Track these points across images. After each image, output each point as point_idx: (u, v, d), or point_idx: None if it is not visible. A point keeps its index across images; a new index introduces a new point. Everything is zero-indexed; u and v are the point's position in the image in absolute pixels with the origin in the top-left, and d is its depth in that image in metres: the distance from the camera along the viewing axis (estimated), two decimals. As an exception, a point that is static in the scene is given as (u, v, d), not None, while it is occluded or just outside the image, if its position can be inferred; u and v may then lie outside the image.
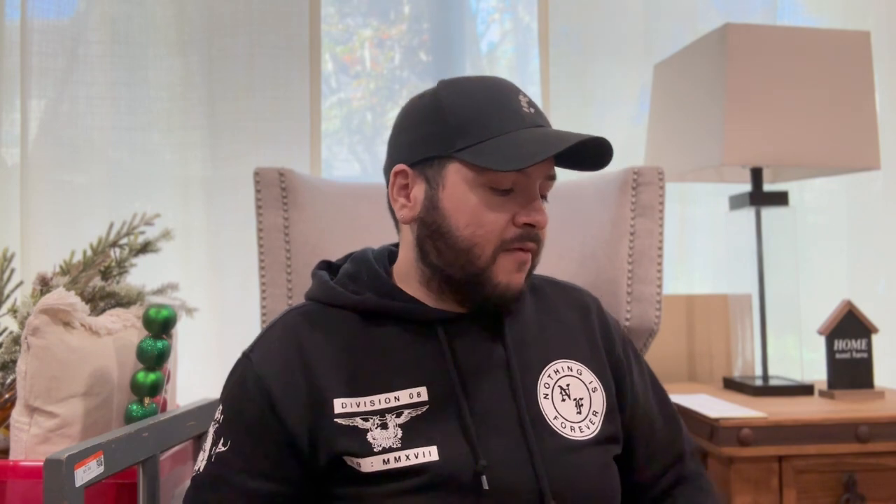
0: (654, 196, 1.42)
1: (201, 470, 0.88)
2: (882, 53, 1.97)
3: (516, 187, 0.87)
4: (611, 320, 1.03)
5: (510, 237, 0.86)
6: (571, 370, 0.93)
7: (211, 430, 0.90)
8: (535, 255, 0.90)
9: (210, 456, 0.87)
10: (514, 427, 0.86)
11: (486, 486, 0.81)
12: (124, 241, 1.36)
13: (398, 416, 0.84)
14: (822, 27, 1.76)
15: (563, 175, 2.06)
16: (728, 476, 1.35)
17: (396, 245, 0.99)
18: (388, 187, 0.93)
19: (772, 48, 1.57)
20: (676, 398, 1.51)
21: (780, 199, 1.67)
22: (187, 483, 1.27)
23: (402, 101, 2.07)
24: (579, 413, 0.90)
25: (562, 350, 0.94)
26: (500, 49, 2.16)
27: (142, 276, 1.40)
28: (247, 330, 1.73)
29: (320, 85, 1.98)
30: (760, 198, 1.66)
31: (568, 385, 0.92)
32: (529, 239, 0.87)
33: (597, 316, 1.01)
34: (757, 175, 1.68)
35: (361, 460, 0.82)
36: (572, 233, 1.43)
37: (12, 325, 1.24)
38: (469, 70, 2.08)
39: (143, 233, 1.38)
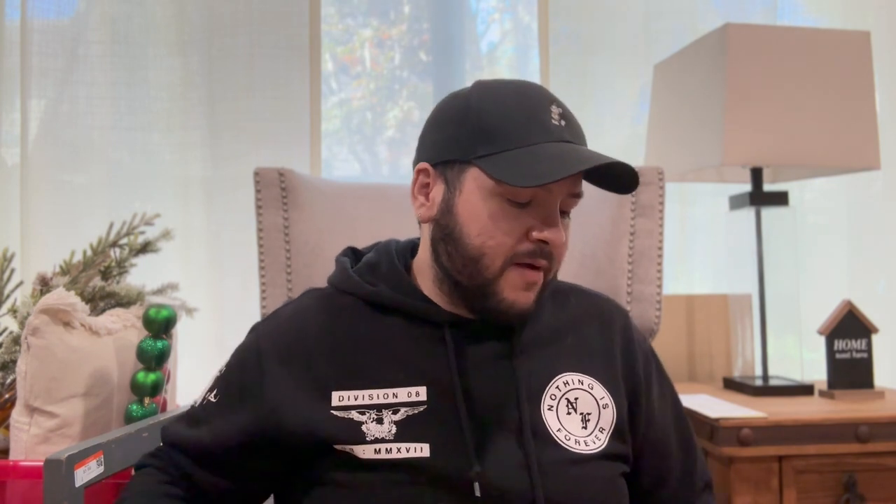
0: (654, 196, 1.41)
1: (192, 407, 0.95)
2: (882, 53, 1.97)
3: (535, 201, 0.84)
4: (636, 336, 0.99)
5: (521, 251, 0.83)
6: (582, 384, 0.90)
7: (213, 375, 0.95)
8: (548, 272, 0.86)
9: (203, 399, 0.94)
10: (514, 435, 0.85)
11: (477, 493, 0.80)
12: (124, 241, 1.36)
13: (395, 412, 0.85)
14: (822, 27, 1.76)
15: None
16: (728, 476, 1.35)
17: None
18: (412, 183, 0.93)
19: (772, 48, 1.57)
20: (676, 398, 1.51)
21: (780, 199, 1.67)
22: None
23: (403, 101, 2.07)
24: (585, 428, 0.88)
25: (574, 362, 0.91)
26: (500, 49, 2.16)
27: (142, 276, 1.40)
28: (246, 330, 1.73)
29: (320, 85, 1.98)
30: (760, 198, 1.66)
31: (576, 399, 0.89)
32: (541, 256, 0.84)
33: (620, 330, 0.97)
34: (757, 175, 1.68)
35: (354, 447, 0.83)
36: (572, 233, 1.43)
37: (12, 325, 1.24)
38: (468, 70, 2.08)
39: (143, 233, 1.38)
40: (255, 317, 1.45)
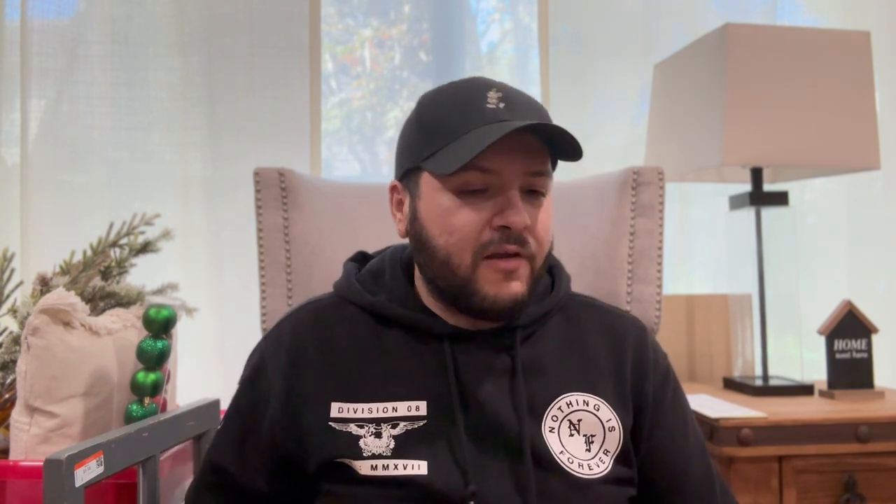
0: (654, 196, 1.41)
1: (210, 454, 0.94)
2: (882, 53, 1.97)
3: (491, 188, 0.82)
4: (651, 354, 0.93)
5: (486, 242, 0.81)
6: (588, 405, 0.87)
7: (225, 414, 0.96)
8: (533, 259, 0.84)
9: (219, 442, 0.94)
10: (513, 456, 0.82)
11: None
12: (124, 241, 1.36)
13: (394, 427, 0.83)
14: (822, 27, 1.76)
15: (563, 175, 2.06)
16: (728, 476, 1.35)
17: None
18: None
19: (772, 48, 1.57)
20: (676, 398, 1.51)
21: (780, 199, 1.67)
22: (188, 483, 1.27)
23: (402, 101, 2.07)
24: (588, 450, 0.85)
25: (580, 382, 0.88)
26: (500, 49, 2.16)
27: (142, 276, 1.40)
28: (247, 330, 1.73)
29: (320, 85, 1.98)
30: (760, 198, 1.66)
31: (580, 420, 0.86)
32: (510, 241, 0.81)
33: (633, 346, 0.93)
34: (757, 175, 1.67)
35: (353, 462, 0.81)
36: (572, 233, 1.43)
37: (12, 325, 1.24)
38: (468, 70, 2.08)
39: (143, 233, 1.38)
40: (255, 317, 1.45)
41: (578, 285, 1.37)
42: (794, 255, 1.69)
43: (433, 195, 0.84)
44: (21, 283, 1.35)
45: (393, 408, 0.84)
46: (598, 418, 0.86)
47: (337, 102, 2.09)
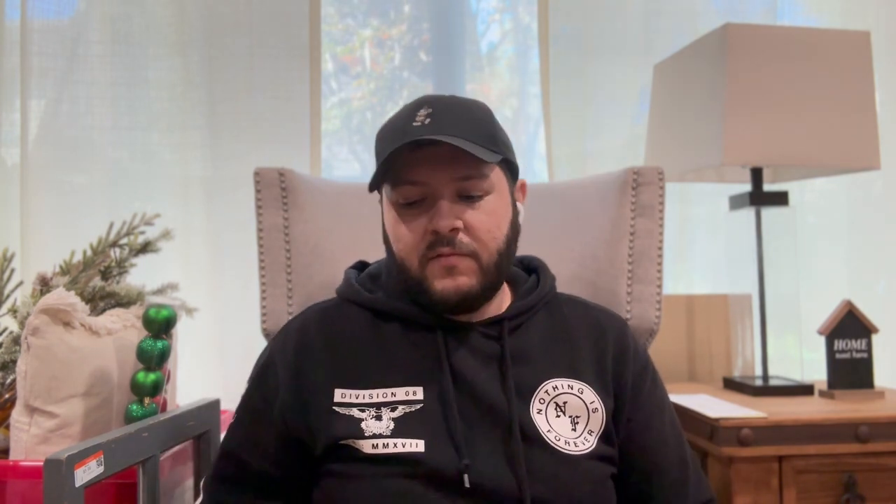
0: (654, 196, 1.41)
1: (225, 443, 0.99)
2: (882, 53, 1.97)
3: (428, 197, 0.91)
4: (631, 346, 1.01)
5: (424, 247, 0.91)
6: (572, 388, 0.94)
7: (238, 405, 1.01)
8: (475, 255, 0.91)
9: (230, 426, 1.00)
10: (503, 435, 0.89)
11: (466, 485, 0.84)
12: (124, 241, 1.36)
13: (393, 410, 0.90)
14: (822, 27, 1.76)
15: (562, 175, 2.06)
16: (728, 476, 1.35)
17: None
18: None
19: (772, 48, 1.57)
20: (676, 398, 1.51)
21: (780, 199, 1.67)
22: (188, 483, 1.27)
23: (403, 101, 2.07)
24: (574, 430, 0.92)
25: (564, 368, 0.96)
26: (500, 49, 2.16)
27: (142, 276, 1.40)
28: (247, 330, 1.73)
29: (320, 85, 1.98)
30: (760, 198, 1.66)
31: (565, 402, 0.93)
32: (442, 244, 0.90)
33: (614, 339, 1.00)
34: (757, 175, 1.67)
35: (357, 441, 0.87)
36: (572, 233, 1.43)
37: (12, 325, 1.24)
38: (468, 70, 2.08)
39: (143, 233, 1.38)
40: (255, 317, 1.45)
41: (578, 285, 1.37)
42: (794, 255, 1.69)
43: (387, 209, 0.96)
44: (21, 283, 1.35)
45: (392, 393, 0.91)
46: (583, 400, 0.94)
47: (337, 102, 2.09)
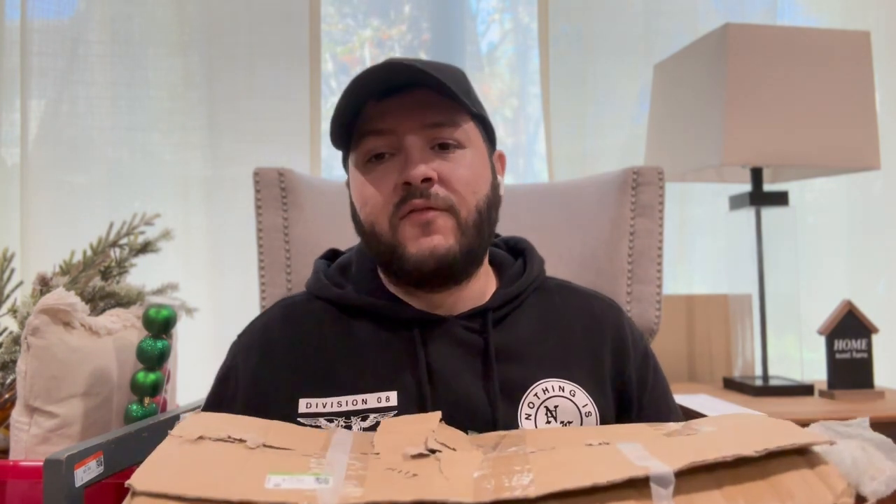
0: (654, 196, 1.41)
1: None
2: (882, 53, 1.97)
3: (394, 149, 0.84)
4: (629, 334, 0.94)
5: (396, 202, 0.82)
6: (563, 391, 0.85)
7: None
8: (452, 211, 0.82)
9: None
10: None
11: None
12: (124, 241, 1.36)
13: (363, 419, 0.81)
14: (822, 27, 1.75)
15: (562, 175, 2.05)
16: (728, 476, 1.35)
17: None
18: None
19: (772, 48, 1.57)
20: (677, 398, 1.51)
21: (780, 199, 1.66)
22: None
23: (402, 101, 2.07)
24: None
25: (556, 368, 0.86)
26: (500, 49, 2.16)
27: (142, 276, 1.40)
28: (247, 330, 1.73)
29: (320, 85, 1.98)
30: (760, 198, 1.66)
31: (556, 406, 0.84)
32: (415, 196, 0.81)
33: (611, 328, 0.92)
34: (757, 175, 1.67)
35: None
36: (572, 233, 1.43)
37: (12, 325, 1.24)
38: (468, 70, 2.07)
39: (143, 233, 1.38)
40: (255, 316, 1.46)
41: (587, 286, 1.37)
42: (794, 255, 1.69)
43: (354, 175, 0.87)
44: (21, 283, 1.35)
45: (363, 400, 0.82)
46: (575, 404, 0.84)
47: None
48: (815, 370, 1.81)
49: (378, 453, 0.66)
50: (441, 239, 0.81)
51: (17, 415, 1.10)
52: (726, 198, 1.78)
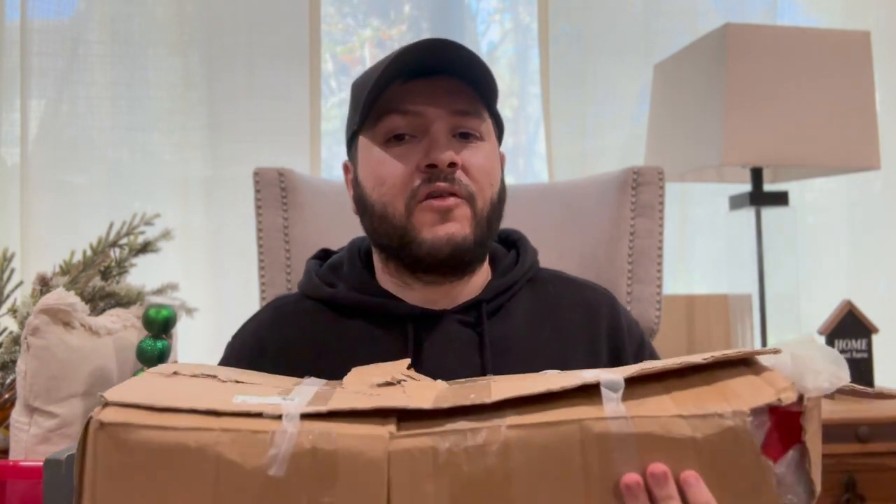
0: (654, 196, 1.41)
1: None
2: (882, 53, 1.97)
3: (418, 133, 0.82)
4: (624, 322, 0.93)
5: (416, 185, 0.81)
6: None
7: None
8: (471, 200, 0.82)
9: None
10: None
11: None
12: (124, 241, 1.36)
13: None
14: (822, 27, 1.76)
15: (562, 175, 2.06)
16: (728, 476, 1.36)
17: None
18: None
19: (772, 48, 1.57)
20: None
21: (780, 199, 1.66)
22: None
23: (402, 101, 2.07)
24: None
25: (552, 360, 0.85)
26: (500, 49, 2.16)
27: (142, 276, 1.40)
28: (247, 330, 1.73)
29: (320, 85, 1.98)
30: (760, 198, 1.66)
31: None
32: (439, 180, 0.80)
33: (607, 318, 0.92)
34: (757, 175, 1.67)
35: None
36: (572, 233, 1.43)
37: (12, 325, 1.24)
38: (469, 70, 2.08)
39: (143, 233, 1.38)
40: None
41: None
42: (794, 255, 1.69)
43: (367, 154, 0.85)
44: (21, 283, 1.35)
45: None
46: None
47: (337, 102, 2.09)
48: (815, 370, 1.81)
49: (346, 387, 0.69)
50: (458, 227, 0.81)
51: (17, 415, 1.10)
52: (726, 198, 1.78)
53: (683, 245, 2.05)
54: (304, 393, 0.65)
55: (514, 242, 0.98)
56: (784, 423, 0.60)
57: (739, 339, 1.76)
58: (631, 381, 0.61)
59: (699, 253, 2.05)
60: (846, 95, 1.60)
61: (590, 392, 0.61)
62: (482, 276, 0.91)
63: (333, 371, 0.80)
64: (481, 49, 2.14)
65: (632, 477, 0.58)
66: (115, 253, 1.35)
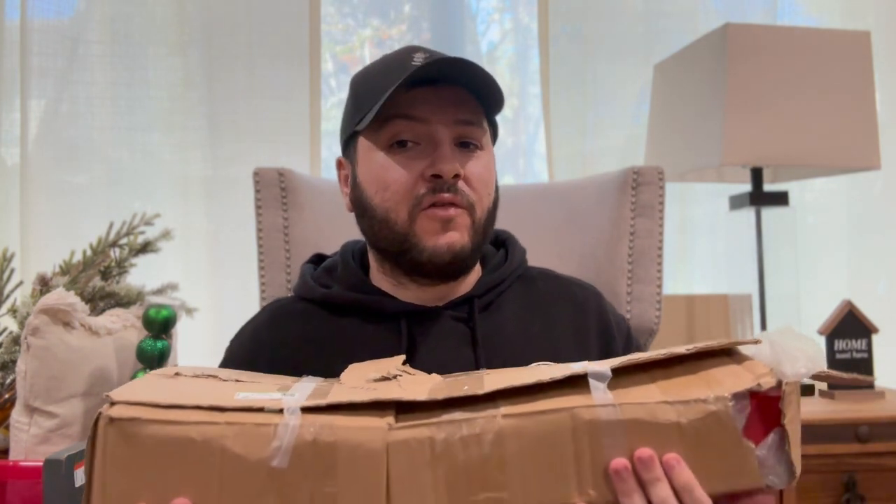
0: (654, 196, 1.41)
1: None
2: (882, 53, 1.97)
3: (422, 140, 0.84)
4: (612, 318, 0.96)
5: (420, 193, 0.82)
6: None
7: None
8: (470, 210, 0.84)
9: None
10: None
11: None
12: (124, 241, 1.36)
13: None
14: (822, 27, 1.76)
15: (562, 175, 2.06)
16: (728, 476, 1.35)
17: None
18: None
19: (772, 48, 1.57)
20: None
21: (780, 199, 1.66)
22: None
23: (402, 101, 2.07)
24: None
25: (542, 353, 0.84)
26: (500, 49, 2.16)
27: (142, 276, 1.40)
28: (247, 330, 1.73)
29: (320, 85, 1.98)
30: (760, 198, 1.66)
31: None
32: (443, 191, 0.82)
33: (595, 313, 0.94)
34: (757, 175, 1.67)
35: None
36: (572, 233, 1.43)
37: (12, 325, 1.24)
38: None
39: (143, 233, 1.38)
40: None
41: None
42: (794, 255, 1.69)
43: (369, 156, 0.86)
44: (21, 283, 1.35)
45: None
46: None
47: (337, 102, 2.09)
48: (815, 370, 1.81)
49: (343, 383, 0.72)
50: (458, 236, 0.83)
51: (17, 415, 1.10)
52: (726, 198, 1.78)
53: (683, 245, 2.05)
54: (303, 389, 0.67)
55: (503, 242, 0.99)
56: (764, 407, 0.63)
57: (739, 339, 1.76)
58: (618, 372, 0.64)
59: (699, 253, 2.05)
60: (846, 95, 1.60)
61: (579, 382, 0.64)
62: (473, 273, 0.92)
63: (330, 369, 0.81)
64: (481, 49, 2.14)
65: (620, 462, 0.61)
66: (115, 253, 1.35)
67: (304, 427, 0.61)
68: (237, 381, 0.70)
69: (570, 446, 0.61)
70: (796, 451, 0.63)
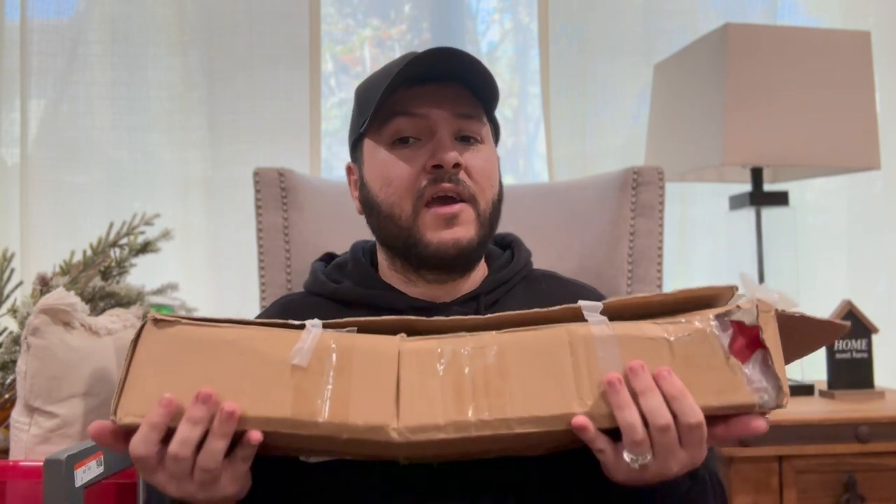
0: (654, 196, 1.41)
1: None
2: (882, 53, 1.97)
3: (423, 136, 0.87)
4: None
5: (423, 186, 0.85)
6: None
7: None
8: (473, 202, 0.86)
9: None
10: None
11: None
12: (124, 241, 1.36)
13: None
14: (822, 27, 1.76)
15: (562, 175, 2.06)
16: (728, 476, 1.35)
17: None
18: None
19: (772, 48, 1.57)
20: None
21: (780, 199, 1.66)
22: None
23: (402, 101, 2.07)
24: None
25: None
26: (500, 49, 2.16)
27: (142, 276, 1.40)
28: (247, 330, 1.73)
29: (320, 85, 1.98)
30: (760, 198, 1.66)
31: None
32: (443, 180, 0.84)
33: None
34: (757, 175, 1.67)
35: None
36: (572, 233, 1.43)
37: (12, 325, 1.24)
38: (469, 70, 2.08)
39: (143, 233, 1.38)
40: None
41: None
42: (794, 255, 1.69)
43: (373, 156, 0.90)
44: (21, 283, 1.35)
45: None
46: None
47: (337, 102, 2.09)
48: (815, 370, 1.81)
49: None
50: (463, 231, 0.86)
51: (17, 415, 1.10)
52: (726, 198, 1.78)
53: (683, 245, 2.05)
54: (318, 323, 0.73)
55: (509, 244, 1.02)
56: (746, 333, 0.68)
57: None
58: (608, 313, 0.71)
59: (699, 253, 2.05)
60: (846, 95, 1.60)
61: (574, 315, 0.71)
62: (479, 272, 0.95)
63: None
64: (481, 49, 2.14)
65: (614, 374, 0.66)
66: (115, 253, 1.35)
67: (325, 335, 0.69)
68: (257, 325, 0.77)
69: (567, 358, 0.68)
70: (781, 370, 0.68)
